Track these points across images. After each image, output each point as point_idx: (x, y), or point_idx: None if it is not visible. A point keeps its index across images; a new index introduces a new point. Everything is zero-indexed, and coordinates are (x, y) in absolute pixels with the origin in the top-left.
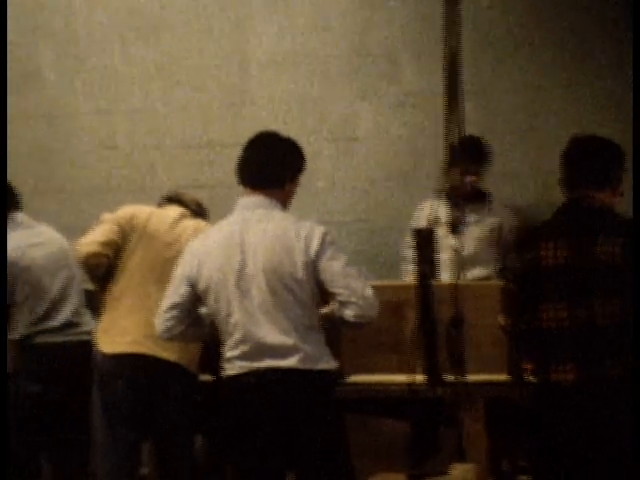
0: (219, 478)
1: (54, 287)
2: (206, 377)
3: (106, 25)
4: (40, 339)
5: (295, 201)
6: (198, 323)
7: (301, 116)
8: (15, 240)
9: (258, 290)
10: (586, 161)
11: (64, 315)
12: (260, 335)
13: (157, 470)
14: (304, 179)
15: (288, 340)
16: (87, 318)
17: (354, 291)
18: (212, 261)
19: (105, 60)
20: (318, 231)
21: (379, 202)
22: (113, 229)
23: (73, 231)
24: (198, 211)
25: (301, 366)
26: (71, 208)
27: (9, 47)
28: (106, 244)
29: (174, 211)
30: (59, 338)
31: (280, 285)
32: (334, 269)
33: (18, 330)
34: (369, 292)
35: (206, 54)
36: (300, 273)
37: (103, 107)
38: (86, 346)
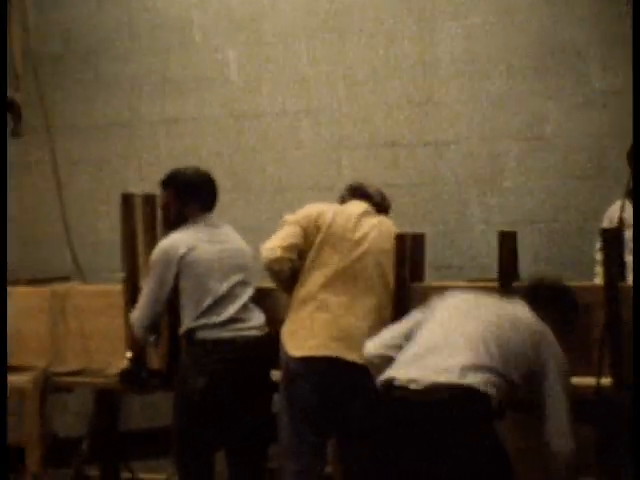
0: None
1: (222, 285)
2: None
3: (292, 26)
4: (203, 334)
5: (481, 201)
6: None
7: (487, 115)
8: (192, 235)
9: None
10: None
11: (229, 312)
12: None
13: (341, 469)
14: (491, 179)
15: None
16: (254, 314)
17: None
18: None
19: (291, 61)
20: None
21: (567, 202)
22: (295, 232)
23: (258, 230)
24: (381, 203)
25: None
26: (257, 207)
27: (196, 50)
28: (288, 248)
29: (357, 207)
30: (223, 333)
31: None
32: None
33: (185, 324)
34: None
35: (392, 54)
36: None
37: (288, 107)
38: (253, 341)
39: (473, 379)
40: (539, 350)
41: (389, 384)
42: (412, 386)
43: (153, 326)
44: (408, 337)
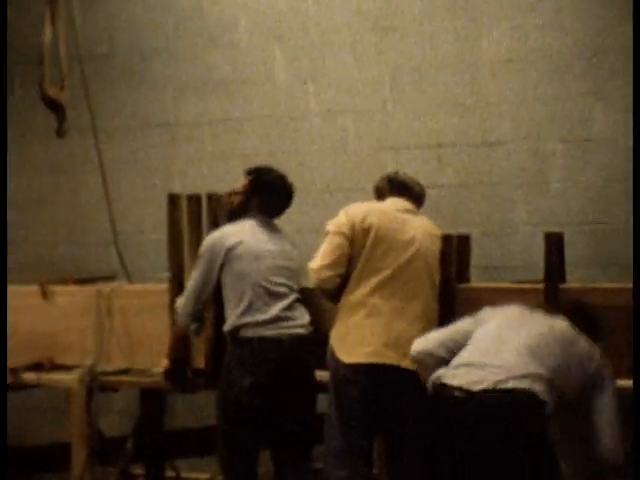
0: None
1: (264, 283)
2: None
3: (337, 27)
4: (249, 332)
5: (527, 202)
6: None
7: (534, 116)
8: (244, 230)
9: None
10: None
11: (274, 310)
12: None
13: (386, 471)
14: (536, 179)
15: None
16: (299, 313)
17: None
18: None
19: (337, 62)
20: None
21: (614, 204)
22: (340, 244)
23: (303, 231)
24: (420, 193)
25: None
26: (302, 208)
27: (241, 50)
28: (335, 265)
29: (400, 205)
30: (269, 332)
31: None
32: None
33: (229, 321)
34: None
35: (437, 54)
36: None
37: (334, 108)
38: (298, 340)
39: (530, 385)
40: (591, 367)
41: (441, 386)
42: (473, 388)
43: (196, 315)
44: (458, 342)
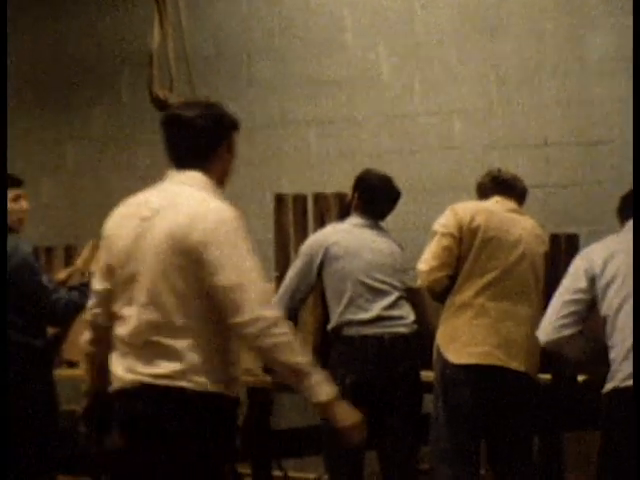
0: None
1: (366, 281)
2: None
3: (443, 26)
4: (351, 330)
5: None
6: None
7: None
8: (344, 230)
9: None
10: None
11: (376, 309)
12: None
13: (495, 472)
14: None
15: None
16: (402, 311)
17: None
18: None
19: (443, 61)
20: None
21: None
22: (449, 245)
23: (411, 229)
24: (522, 190)
25: None
26: (409, 207)
27: (348, 50)
28: (445, 265)
29: (505, 205)
30: (371, 330)
31: None
32: None
33: (332, 320)
34: None
35: (543, 52)
36: None
37: (441, 107)
38: (401, 338)
39: None
40: None
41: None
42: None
43: (289, 313)
44: (581, 312)
